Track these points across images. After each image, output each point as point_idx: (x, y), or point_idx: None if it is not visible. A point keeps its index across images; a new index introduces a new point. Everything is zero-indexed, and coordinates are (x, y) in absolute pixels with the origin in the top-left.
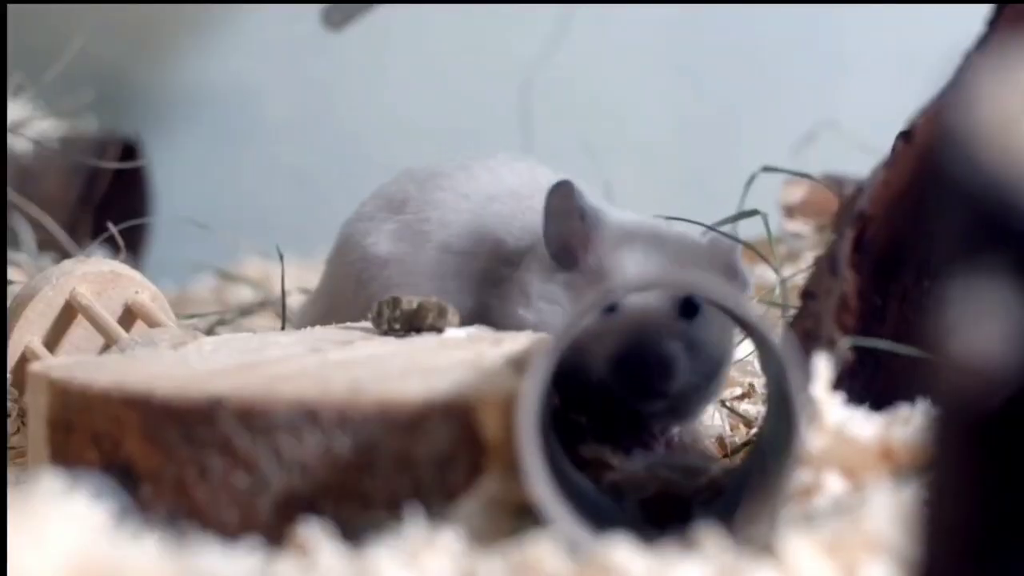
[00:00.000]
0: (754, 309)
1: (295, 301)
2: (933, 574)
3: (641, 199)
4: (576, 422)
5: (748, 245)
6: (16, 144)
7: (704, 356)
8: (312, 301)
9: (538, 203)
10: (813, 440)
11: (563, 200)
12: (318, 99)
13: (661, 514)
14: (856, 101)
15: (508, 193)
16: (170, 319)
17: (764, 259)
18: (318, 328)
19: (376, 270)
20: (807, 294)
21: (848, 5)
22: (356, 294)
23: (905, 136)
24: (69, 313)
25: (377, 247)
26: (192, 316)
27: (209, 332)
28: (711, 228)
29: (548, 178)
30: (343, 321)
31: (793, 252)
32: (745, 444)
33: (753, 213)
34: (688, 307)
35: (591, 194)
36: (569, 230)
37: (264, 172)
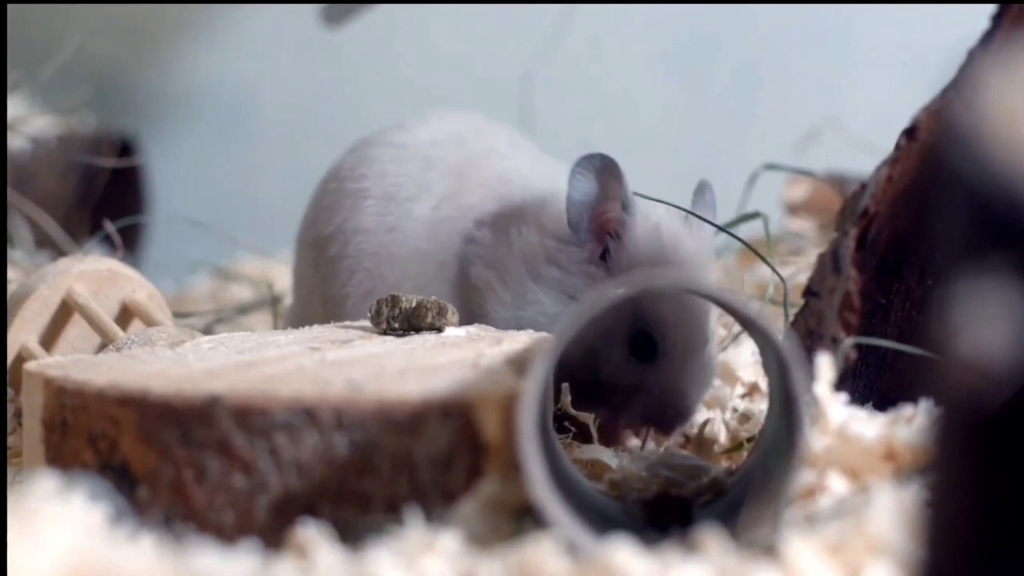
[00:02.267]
0: (756, 308)
1: None
2: (937, 575)
3: None
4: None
5: (749, 246)
6: (13, 141)
7: None
8: (291, 306)
9: (482, 149)
10: (816, 440)
11: (611, 180)
12: (316, 97)
13: (662, 515)
14: (859, 98)
15: (449, 137)
16: (167, 318)
17: (764, 260)
18: (316, 327)
19: (320, 251)
20: (810, 292)
21: (850, 3)
22: (315, 284)
23: (908, 133)
24: (65, 312)
25: (318, 226)
26: (190, 315)
27: (207, 331)
28: (720, 228)
29: (488, 123)
30: (313, 321)
31: (795, 250)
32: (738, 446)
33: (754, 216)
34: None
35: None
36: (606, 213)
37: (262, 170)
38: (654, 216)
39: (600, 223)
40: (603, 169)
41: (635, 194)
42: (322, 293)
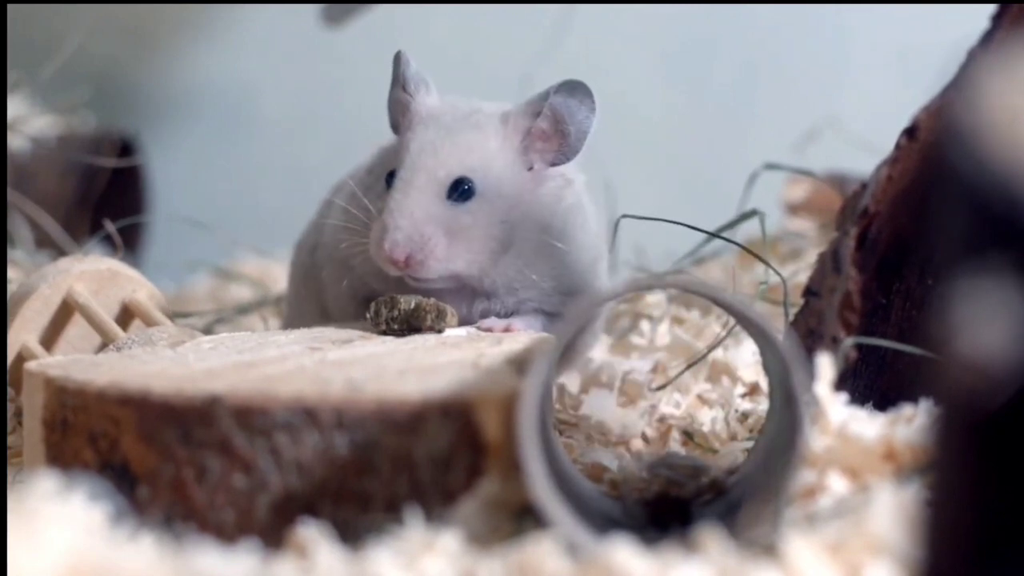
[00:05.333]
0: (758, 307)
1: None
2: (936, 575)
3: (642, 197)
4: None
5: (746, 248)
6: (13, 141)
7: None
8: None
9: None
10: (816, 440)
11: (394, 67)
12: (316, 97)
13: (663, 515)
14: (859, 98)
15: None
16: (167, 318)
17: (761, 260)
18: (316, 327)
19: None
20: (810, 292)
21: (850, 4)
22: (308, 272)
23: (908, 133)
24: (66, 311)
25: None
26: (190, 315)
27: (207, 331)
28: (713, 234)
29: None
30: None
31: (795, 250)
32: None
33: (752, 214)
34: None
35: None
36: (394, 99)
37: (262, 170)
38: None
39: (393, 106)
40: (393, 62)
41: (624, 216)
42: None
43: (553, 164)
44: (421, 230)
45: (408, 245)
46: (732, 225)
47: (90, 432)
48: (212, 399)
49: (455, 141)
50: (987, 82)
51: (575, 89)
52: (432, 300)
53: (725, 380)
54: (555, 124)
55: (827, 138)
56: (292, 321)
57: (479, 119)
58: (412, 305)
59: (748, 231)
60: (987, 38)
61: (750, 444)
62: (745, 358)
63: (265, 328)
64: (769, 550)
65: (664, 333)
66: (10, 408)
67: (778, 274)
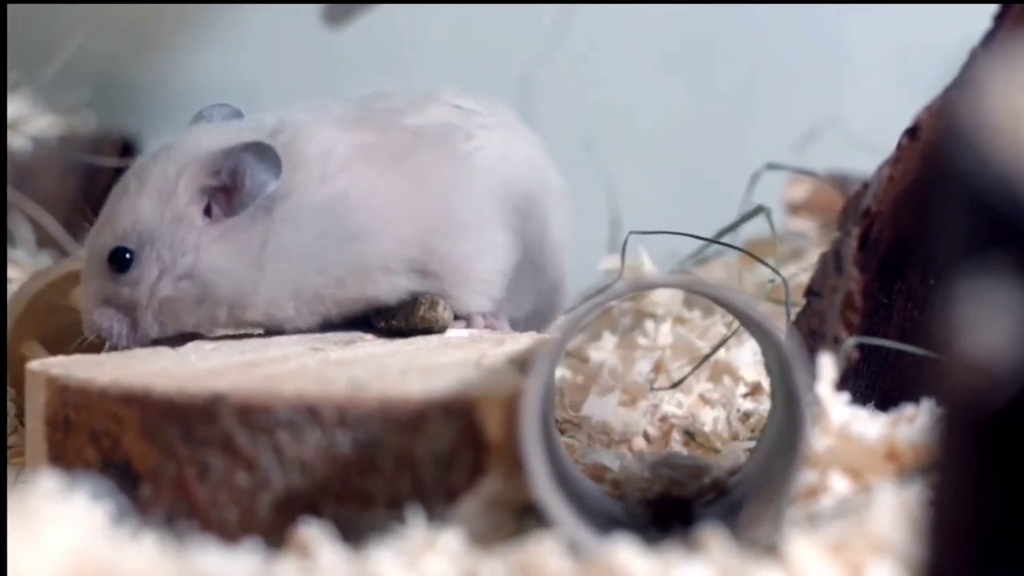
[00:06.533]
0: (760, 307)
1: None
2: (939, 575)
3: (643, 197)
4: None
5: (747, 252)
6: (14, 141)
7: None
8: None
9: None
10: (818, 440)
11: None
12: (316, 97)
13: (665, 515)
14: (860, 98)
15: None
16: None
17: (762, 261)
18: None
19: None
20: (811, 292)
21: (851, 4)
22: None
23: (910, 133)
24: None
25: None
26: None
27: None
28: (711, 241)
29: None
30: None
31: (797, 250)
32: None
33: (758, 211)
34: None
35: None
36: None
37: None
38: None
39: None
40: None
41: (633, 232)
42: None
43: (226, 215)
44: (100, 314)
45: (97, 332)
46: (738, 224)
47: (92, 431)
48: (214, 397)
49: (112, 209)
50: (989, 82)
51: (264, 154)
52: (428, 293)
53: (727, 380)
54: (232, 179)
55: (828, 138)
56: None
57: (147, 174)
58: (412, 301)
59: (753, 229)
60: (989, 38)
61: (752, 444)
62: (747, 358)
63: None
64: (771, 550)
65: (666, 332)
66: (12, 408)
67: (779, 275)
